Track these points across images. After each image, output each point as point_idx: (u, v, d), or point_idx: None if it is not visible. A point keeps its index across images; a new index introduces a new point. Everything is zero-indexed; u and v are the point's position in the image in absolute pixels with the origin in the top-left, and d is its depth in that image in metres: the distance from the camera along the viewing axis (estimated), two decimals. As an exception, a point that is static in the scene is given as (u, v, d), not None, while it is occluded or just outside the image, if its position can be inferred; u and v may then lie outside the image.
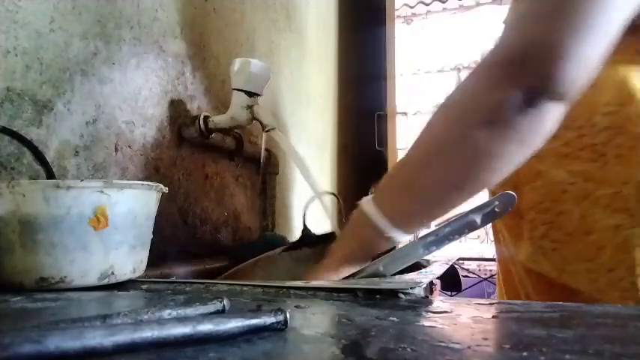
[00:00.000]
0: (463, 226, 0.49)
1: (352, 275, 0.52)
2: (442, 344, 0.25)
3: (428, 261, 0.67)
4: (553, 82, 0.42)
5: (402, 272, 0.51)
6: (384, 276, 0.50)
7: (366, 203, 0.52)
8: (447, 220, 0.50)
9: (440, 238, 0.50)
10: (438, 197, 0.50)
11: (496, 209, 0.49)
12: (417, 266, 0.61)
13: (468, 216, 0.49)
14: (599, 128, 0.55)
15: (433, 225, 0.52)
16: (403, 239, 0.52)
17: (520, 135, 0.45)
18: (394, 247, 0.53)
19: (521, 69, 0.43)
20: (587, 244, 0.55)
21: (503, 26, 0.48)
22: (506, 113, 0.44)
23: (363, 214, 0.52)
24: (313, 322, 0.31)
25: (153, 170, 0.79)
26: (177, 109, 0.85)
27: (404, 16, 5.46)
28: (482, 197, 0.52)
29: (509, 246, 0.64)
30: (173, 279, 0.52)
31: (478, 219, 0.49)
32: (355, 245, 0.54)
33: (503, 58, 0.45)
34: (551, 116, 0.45)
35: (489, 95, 0.45)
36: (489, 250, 3.88)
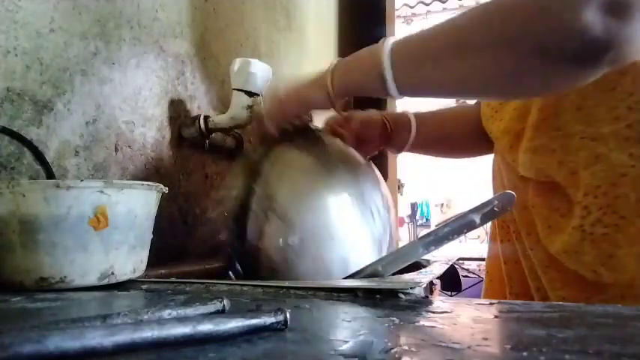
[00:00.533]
0: (462, 226, 0.49)
1: (352, 276, 0.52)
2: (442, 344, 0.25)
3: (428, 261, 0.67)
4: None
5: (401, 272, 0.51)
6: (382, 276, 0.50)
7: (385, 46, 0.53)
8: (446, 220, 0.50)
9: (439, 238, 0.50)
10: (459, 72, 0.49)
11: (495, 209, 0.49)
12: (417, 266, 0.61)
13: (467, 216, 0.49)
14: None
15: (433, 226, 0.52)
16: (396, 96, 0.54)
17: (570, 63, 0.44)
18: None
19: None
20: None
21: None
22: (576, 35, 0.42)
23: (375, 54, 0.53)
24: (313, 322, 0.31)
25: (153, 170, 0.79)
26: (177, 109, 0.85)
27: (404, 16, 5.46)
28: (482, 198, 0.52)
29: (531, 240, 0.62)
30: (173, 279, 0.52)
31: (477, 218, 0.49)
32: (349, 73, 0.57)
33: None
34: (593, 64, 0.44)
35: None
36: (489, 250, 3.87)
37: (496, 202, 0.49)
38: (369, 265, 0.51)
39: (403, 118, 0.79)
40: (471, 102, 0.84)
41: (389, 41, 0.53)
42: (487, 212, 0.49)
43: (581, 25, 0.41)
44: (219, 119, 0.84)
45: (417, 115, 0.80)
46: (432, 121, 0.82)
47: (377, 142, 0.77)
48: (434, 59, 0.50)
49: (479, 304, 0.36)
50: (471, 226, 0.49)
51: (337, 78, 0.57)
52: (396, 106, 1.81)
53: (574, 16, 0.41)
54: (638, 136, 0.54)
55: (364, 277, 0.50)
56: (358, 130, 0.73)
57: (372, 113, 0.79)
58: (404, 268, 0.51)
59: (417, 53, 0.52)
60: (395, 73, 0.51)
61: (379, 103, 1.76)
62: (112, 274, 0.46)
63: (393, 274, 0.50)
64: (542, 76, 0.47)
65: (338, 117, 0.71)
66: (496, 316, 0.33)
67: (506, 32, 0.46)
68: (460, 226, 0.49)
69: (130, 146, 0.74)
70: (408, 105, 0.90)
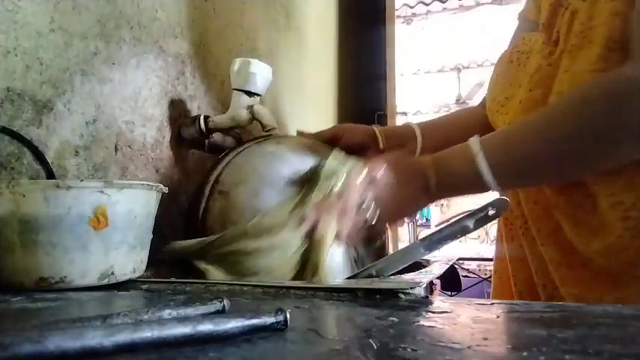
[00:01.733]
0: (456, 231, 0.51)
1: (351, 278, 0.52)
2: (442, 344, 0.25)
3: (428, 261, 0.67)
4: None
5: (401, 272, 0.51)
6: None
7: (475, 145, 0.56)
8: (444, 221, 0.51)
9: (432, 243, 0.51)
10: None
11: (489, 214, 0.50)
12: (417, 266, 0.61)
13: (461, 221, 0.50)
14: None
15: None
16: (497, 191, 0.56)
17: None
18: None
19: None
20: None
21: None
22: None
23: (468, 157, 0.55)
24: (313, 322, 0.31)
25: (153, 170, 0.79)
26: (177, 109, 0.85)
27: (404, 16, 5.46)
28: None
29: (542, 236, 0.63)
30: (173, 279, 0.52)
31: (471, 224, 0.51)
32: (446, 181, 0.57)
33: None
34: None
35: None
36: (489, 250, 3.88)
37: (490, 207, 0.50)
38: (362, 270, 0.52)
39: (407, 131, 0.79)
40: (474, 103, 0.84)
41: (481, 155, 0.55)
42: (481, 217, 0.51)
43: None
44: (219, 119, 0.84)
45: (422, 126, 0.79)
46: (437, 129, 0.82)
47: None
48: (534, 171, 0.57)
49: (479, 304, 0.36)
50: (464, 231, 0.51)
51: (439, 186, 0.57)
52: (396, 105, 1.81)
53: None
54: None
55: (347, 280, 0.50)
56: (347, 143, 0.73)
57: (365, 128, 0.79)
58: (404, 268, 0.51)
59: (516, 169, 0.57)
60: (496, 183, 0.55)
61: (380, 119, 1.76)
62: (112, 274, 0.46)
63: (394, 275, 0.51)
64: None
65: (327, 131, 0.77)
66: (496, 316, 0.33)
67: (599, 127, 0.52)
68: (453, 231, 0.51)
69: (130, 146, 0.74)
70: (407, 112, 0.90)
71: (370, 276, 0.50)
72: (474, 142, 0.56)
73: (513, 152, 0.56)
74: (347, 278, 0.52)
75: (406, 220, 0.66)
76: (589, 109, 0.53)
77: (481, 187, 0.55)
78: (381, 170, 0.57)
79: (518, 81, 0.65)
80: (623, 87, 0.51)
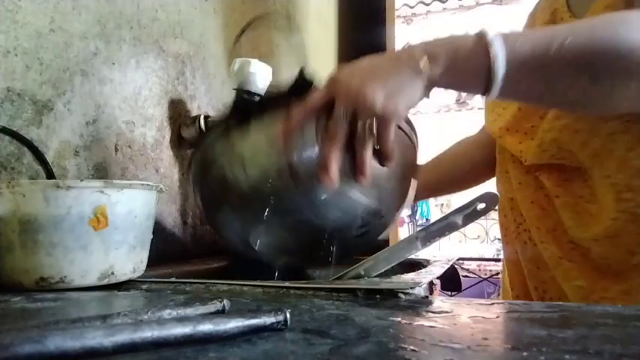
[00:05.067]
0: (444, 228, 0.50)
1: (339, 277, 0.51)
2: (442, 344, 0.25)
3: (428, 261, 0.67)
4: None
5: (401, 272, 0.51)
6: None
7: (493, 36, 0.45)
8: (428, 223, 0.50)
9: (420, 241, 0.50)
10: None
11: (478, 209, 0.49)
12: (417, 266, 0.61)
13: (449, 218, 0.49)
14: None
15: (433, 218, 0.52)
16: (494, 94, 0.45)
17: None
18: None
19: None
20: None
21: None
22: None
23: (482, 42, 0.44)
24: (313, 322, 0.31)
25: (153, 170, 0.79)
26: (177, 109, 0.85)
27: (404, 16, 5.46)
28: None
29: (541, 234, 0.62)
30: (173, 279, 0.52)
31: (460, 220, 0.49)
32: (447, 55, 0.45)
33: None
34: None
35: None
36: (489, 250, 3.88)
37: (478, 202, 0.49)
38: (351, 269, 0.51)
39: None
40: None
41: (498, 40, 0.45)
42: (469, 213, 0.49)
43: None
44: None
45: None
46: (430, 171, 0.82)
47: None
48: (550, 81, 0.47)
49: (479, 304, 0.36)
50: (453, 228, 0.49)
51: (432, 58, 0.45)
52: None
53: None
54: None
55: (348, 280, 0.50)
56: None
57: None
58: (403, 269, 0.51)
59: (534, 71, 0.46)
60: (504, 84, 0.45)
61: None
62: (112, 274, 0.46)
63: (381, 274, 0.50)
64: None
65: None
66: (496, 316, 0.33)
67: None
68: (441, 227, 0.50)
69: (130, 146, 0.74)
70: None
71: (359, 275, 0.50)
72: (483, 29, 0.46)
73: (533, 45, 0.45)
74: (334, 278, 0.51)
75: (407, 105, 0.47)
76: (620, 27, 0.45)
77: (483, 75, 0.44)
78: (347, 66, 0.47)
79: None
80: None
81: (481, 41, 0.45)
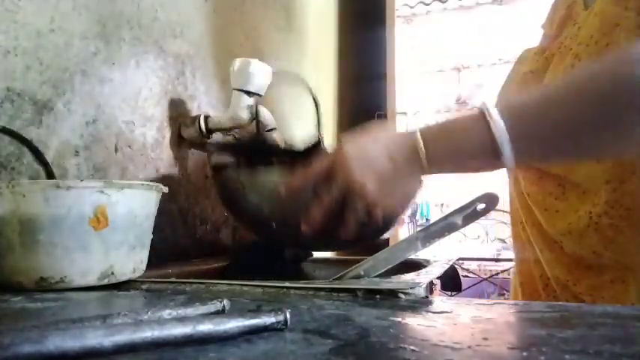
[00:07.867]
0: (444, 229, 0.49)
1: (339, 277, 0.51)
2: (442, 344, 0.25)
3: (428, 261, 0.67)
4: None
5: (401, 272, 0.51)
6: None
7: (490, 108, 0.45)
8: (428, 223, 0.50)
9: (419, 241, 0.50)
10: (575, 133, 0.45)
11: (477, 209, 0.49)
12: (417, 266, 0.61)
13: (449, 218, 0.49)
14: None
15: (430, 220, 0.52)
16: (508, 164, 0.46)
17: None
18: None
19: None
20: None
21: None
22: None
23: (480, 118, 0.45)
24: (313, 322, 0.31)
25: (153, 170, 0.79)
26: (177, 109, 0.85)
27: (404, 16, 5.46)
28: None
29: (529, 225, 0.65)
30: (173, 279, 0.52)
31: (459, 220, 0.49)
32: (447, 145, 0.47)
33: None
34: None
35: None
36: (489, 250, 3.87)
37: (478, 202, 0.49)
38: (351, 269, 0.51)
39: None
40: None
41: (495, 113, 0.45)
42: (469, 214, 0.48)
43: None
44: (219, 119, 0.84)
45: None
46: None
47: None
48: (555, 144, 0.47)
49: (479, 304, 0.36)
50: (452, 228, 0.49)
51: (432, 146, 0.47)
52: (396, 105, 1.81)
53: None
54: None
55: (348, 280, 0.50)
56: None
57: None
58: (404, 269, 0.51)
59: (536, 136, 0.47)
60: (514, 152, 0.45)
61: (380, 119, 1.76)
62: (112, 274, 0.46)
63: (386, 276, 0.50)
64: None
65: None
66: (496, 316, 0.33)
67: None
68: (441, 228, 0.49)
69: (130, 146, 0.74)
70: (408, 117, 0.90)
71: (359, 275, 0.50)
72: (482, 103, 0.47)
73: (535, 113, 0.46)
74: (334, 278, 0.51)
75: (404, 205, 0.53)
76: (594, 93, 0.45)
77: (490, 153, 0.45)
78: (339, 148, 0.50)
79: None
80: (628, 68, 0.45)
81: (480, 122, 0.45)
